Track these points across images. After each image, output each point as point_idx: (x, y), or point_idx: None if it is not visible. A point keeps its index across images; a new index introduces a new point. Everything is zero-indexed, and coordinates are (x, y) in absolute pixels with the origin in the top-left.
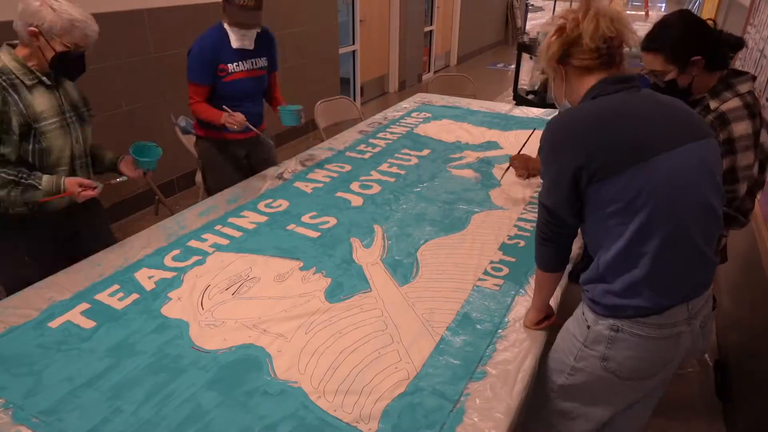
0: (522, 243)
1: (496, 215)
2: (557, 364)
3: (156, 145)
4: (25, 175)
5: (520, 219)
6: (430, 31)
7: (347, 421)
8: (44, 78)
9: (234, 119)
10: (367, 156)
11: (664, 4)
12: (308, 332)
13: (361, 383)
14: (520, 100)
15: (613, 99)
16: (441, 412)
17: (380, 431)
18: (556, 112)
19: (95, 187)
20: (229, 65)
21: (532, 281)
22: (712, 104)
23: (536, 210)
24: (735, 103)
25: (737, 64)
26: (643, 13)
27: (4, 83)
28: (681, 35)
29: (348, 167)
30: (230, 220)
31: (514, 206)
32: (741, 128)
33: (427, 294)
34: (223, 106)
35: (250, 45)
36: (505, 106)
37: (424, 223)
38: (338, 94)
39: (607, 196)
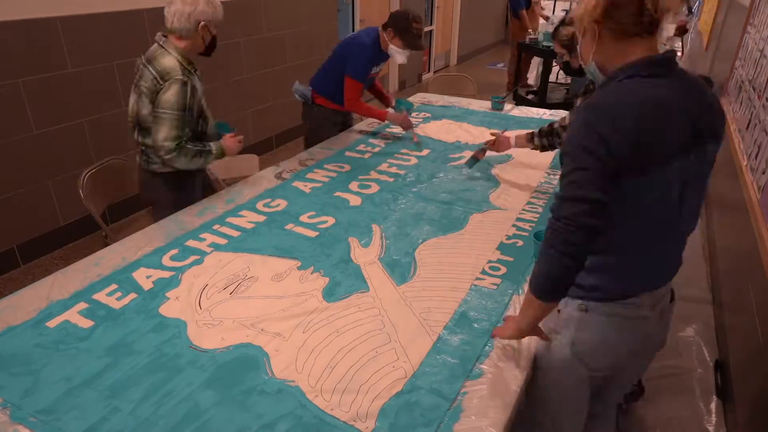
0: (520, 243)
1: (494, 215)
2: (540, 369)
3: (229, 126)
4: (203, 145)
5: (518, 219)
6: (430, 31)
7: (344, 420)
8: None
9: (404, 121)
10: (366, 156)
11: None
12: (306, 331)
13: (358, 382)
14: (520, 100)
15: (653, 87)
16: (438, 411)
17: (377, 430)
18: (583, 82)
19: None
20: (374, 68)
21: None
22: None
23: (534, 210)
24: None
25: (737, 64)
26: None
27: (188, 76)
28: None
29: (347, 167)
30: (228, 219)
31: (512, 206)
32: None
33: (424, 293)
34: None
35: (406, 60)
36: (505, 106)
37: (422, 222)
38: None
39: (618, 194)
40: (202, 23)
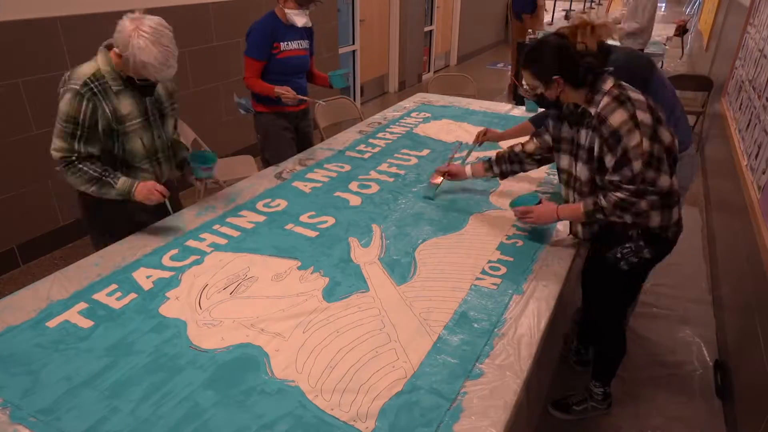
0: (520, 243)
1: (494, 215)
2: None
3: (213, 154)
4: (107, 174)
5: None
6: (430, 31)
7: (344, 420)
8: (130, 84)
9: (286, 92)
10: (366, 156)
11: (663, 5)
12: (306, 331)
13: (358, 382)
14: (519, 100)
15: None
16: (438, 411)
17: (377, 430)
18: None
19: (164, 194)
20: (281, 43)
21: (529, 280)
22: (592, 111)
23: None
24: (605, 101)
25: (737, 63)
26: None
27: (96, 90)
28: (542, 57)
29: (347, 167)
30: (228, 219)
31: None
32: (617, 118)
33: (424, 293)
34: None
35: (308, 22)
36: (505, 106)
37: (422, 222)
38: (338, 93)
39: None
40: (115, 50)
